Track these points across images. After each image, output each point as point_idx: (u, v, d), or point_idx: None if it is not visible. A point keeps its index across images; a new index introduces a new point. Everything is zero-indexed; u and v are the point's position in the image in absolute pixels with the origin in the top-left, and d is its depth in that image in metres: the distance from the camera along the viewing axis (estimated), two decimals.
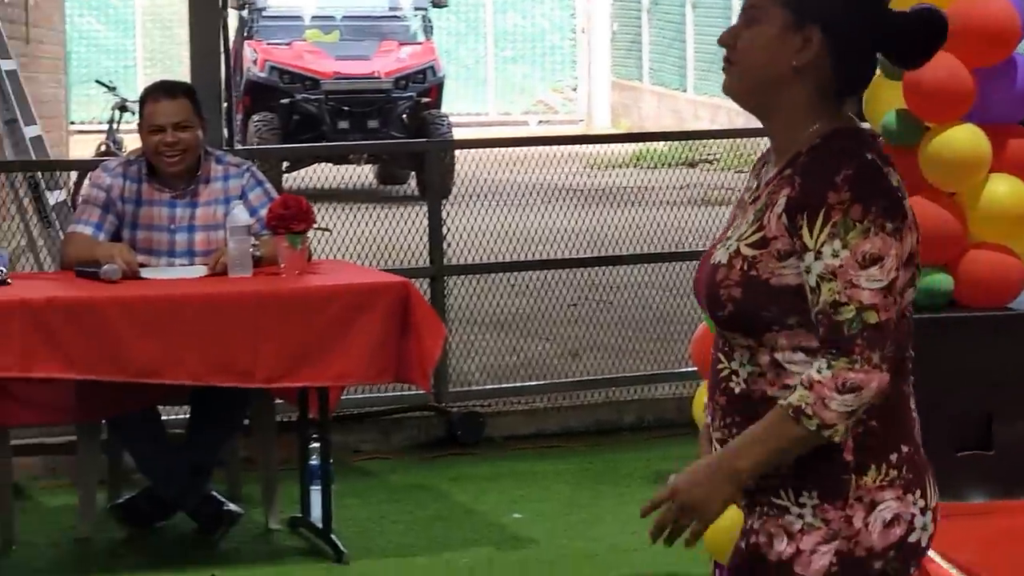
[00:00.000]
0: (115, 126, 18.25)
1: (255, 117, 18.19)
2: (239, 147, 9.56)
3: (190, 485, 6.67)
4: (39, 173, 10.43)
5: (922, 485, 3.13)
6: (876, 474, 3.08)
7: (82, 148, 18.40)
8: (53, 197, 10.57)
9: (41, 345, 5.99)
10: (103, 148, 17.52)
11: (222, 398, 6.52)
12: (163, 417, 6.89)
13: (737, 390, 3.13)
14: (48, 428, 7.31)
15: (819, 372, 2.99)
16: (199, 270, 6.60)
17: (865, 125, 3.19)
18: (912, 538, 3.12)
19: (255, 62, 18.66)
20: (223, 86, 8.35)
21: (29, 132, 11.23)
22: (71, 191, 12.42)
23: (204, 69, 8.11)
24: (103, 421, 6.82)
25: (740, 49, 3.12)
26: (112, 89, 19.19)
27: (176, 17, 27.86)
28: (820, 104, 3.11)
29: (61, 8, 17.10)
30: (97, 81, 20.24)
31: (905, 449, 3.12)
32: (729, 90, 3.17)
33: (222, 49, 8.37)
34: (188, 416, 6.89)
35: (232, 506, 6.80)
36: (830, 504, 3.07)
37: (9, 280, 6.37)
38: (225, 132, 8.42)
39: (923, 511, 3.12)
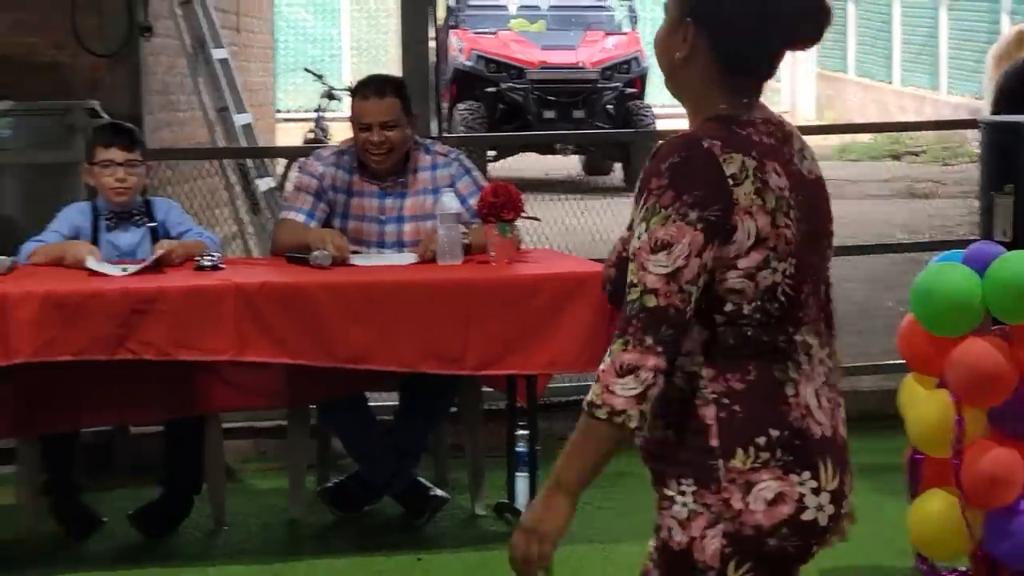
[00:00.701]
0: (322, 114, 18.51)
1: (461, 106, 18.31)
2: (447, 136, 9.62)
3: (398, 470, 6.77)
4: (248, 161, 10.64)
5: (811, 466, 3.19)
6: (745, 457, 3.15)
7: (288, 136, 18.68)
8: (262, 184, 10.78)
9: (254, 330, 6.10)
10: (311, 136, 17.79)
11: (430, 385, 6.60)
12: (371, 403, 6.99)
13: None
14: (258, 412, 7.46)
15: (604, 361, 3.12)
16: (409, 257, 6.68)
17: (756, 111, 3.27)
18: (806, 516, 3.18)
19: (461, 51, 18.80)
20: (432, 76, 8.41)
21: (239, 120, 11.45)
22: (280, 179, 12.64)
23: (414, 59, 8.20)
24: (312, 406, 6.96)
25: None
26: (320, 77, 19.45)
27: (382, 6, 28.16)
28: (712, 89, 3.28)
29: None
30: (306, 69, 20.56)
31: (776, 433, 3.17)
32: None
33: (431, 39, 8.44)
34: (397, 402, 6.99)
35: (438, 491, 6.89)
36: (705, 489, 3.16)
37: (222, 265, 6.51)
38: (434, 122, 8.49)
39: (815, 491, 3.18)
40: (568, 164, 18.43)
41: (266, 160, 11.51)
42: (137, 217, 6.80)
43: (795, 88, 29.27)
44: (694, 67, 3.28)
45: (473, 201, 6.69)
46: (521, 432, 6.76)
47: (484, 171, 7.69)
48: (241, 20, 14.63)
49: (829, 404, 3.31)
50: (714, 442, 3.16)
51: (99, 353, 6.09)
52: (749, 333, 3.19)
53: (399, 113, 6.83)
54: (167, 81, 11.85)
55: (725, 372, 3.18)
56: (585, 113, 18.57)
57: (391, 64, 20.20)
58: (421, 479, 6.89)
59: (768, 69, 3.33)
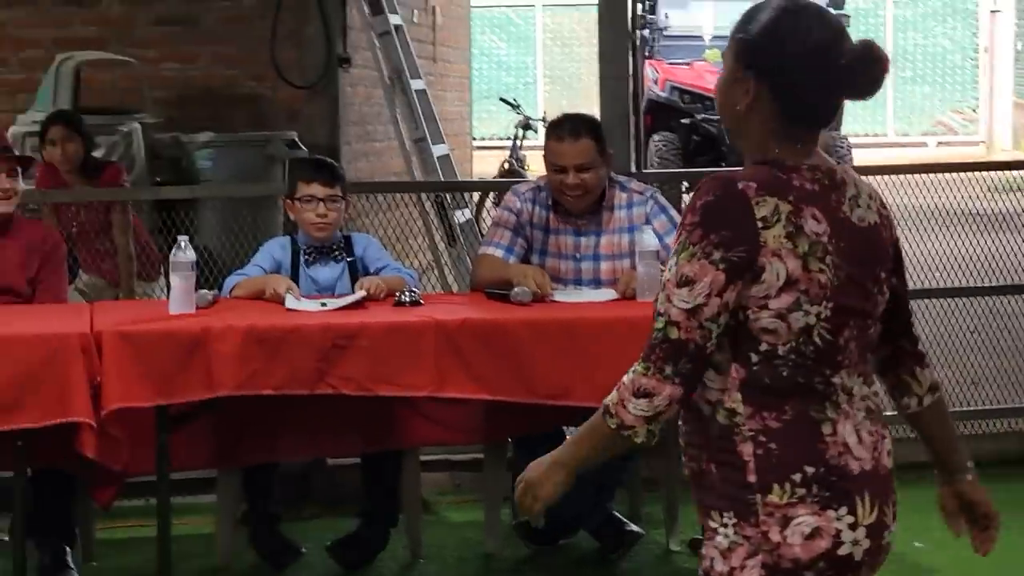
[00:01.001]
0: (518, 143, 18.56)
1: (655, 137, 18.32)
2: (643, 170, 9.61)
3: (593, 505, 6.78)
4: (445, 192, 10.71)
5: (848, 502, 3.32)
6: (782, 492, 3.28)
7: (484, 164, 18.77)
8: (459, 216, 10.84)
9: (453, 366, 6.11)
10: (506, 166, 17.85)
11: None
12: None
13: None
14: (454, 446, 7.51)
15: (628, 375, 3.32)
16: (609, 293, 6.68)
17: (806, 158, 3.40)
18: (842, 551, 3.31)
19: (656, 81, 18.81)
20: (631, 110, 8.42)
21: (437, 151, 11.53)
22: (475, 209, 12.70)
23: (611, 95, 8.21)
24: (509, 440, 7.00)
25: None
26: (516, 107, 19.48)
27: (576, 35, 28.22)
28: (770, 138, 3.39)
29: (467, 27, 17.47)
30: (502, 99, 20.62)
31: (812, 470, 3.29)
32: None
33: (630, 72, 8.44)
34: None
35: (633, 527, 6.89)
36: (744, 522, 3.30)
37: (422, 301, 6.55)
38: (633, 156, 8.49)
39: (852, 527, 3.32)
40: None
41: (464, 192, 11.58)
42: (336, 252, 6.87)
43: (993, 118, 28.84)
44: (756, 117, 3.41)
45: (669, 239, 6.65)
46: None
47: (679, 203, 7.65)
48: (438, 50, 14.77)
49: (872, 438, 3.42)
50: (752, 478, 3.29)
51: (299, 388, 6.15)
52: (785, 373, 3.31)
53: (594, 155, 6.77)
54: (364, 112, 12.00)
55: (762, 410, 3.30)
56: None
57: (585, 92, 20.26)
58: (616, 514, 6.90)
59: (827, 119, 3.46)
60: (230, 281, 6.78)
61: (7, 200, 6.73)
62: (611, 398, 3.34)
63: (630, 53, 8.44)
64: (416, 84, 11.68)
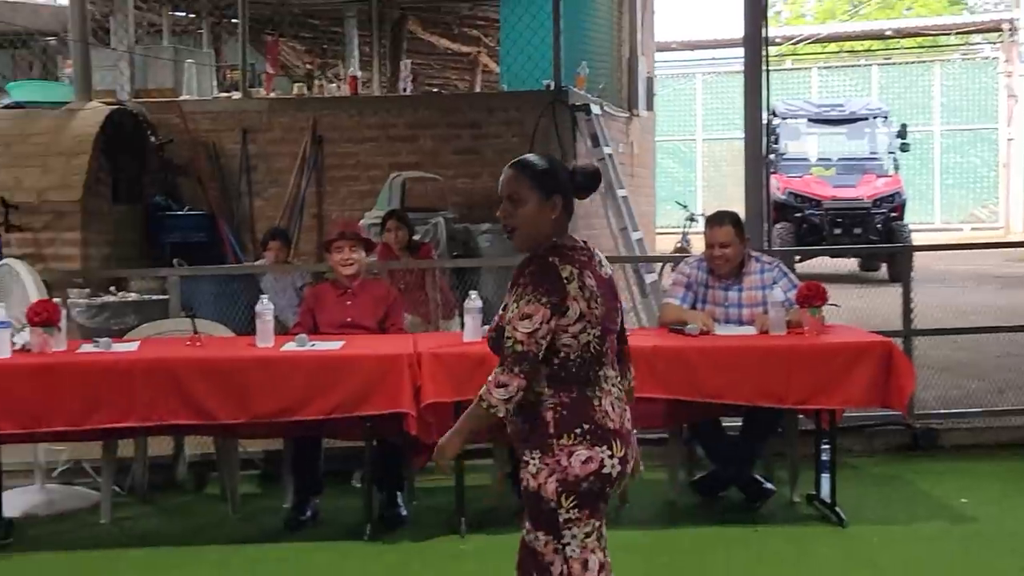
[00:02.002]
0: (686, 231, 18.66)
1: (777, 226, 18.10)
2: (771, 248, 9.57)
3: (742, 469, 6.72)
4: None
5: (607, 443, 3.67)
6: (569, 437, 3.66)
7: (664, 244, 18.75)
8: (648, 278, 10.84)
9: (648, 375, 6.07)
10: (678, 245, 17.85)
11: (765, 413, 6.52)
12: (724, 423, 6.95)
13: None
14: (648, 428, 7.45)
15: (491, 375, 3.64)
16: (751, 329, 6.62)
17: (573, 240, 3.76)
18: (604, 470, 3.67)
19: (778, 188, 18.53)
20: (764, 207, 8.38)
21: (634, 236, 11.57)
22: (658, 274, 12.65)
23: (752, 196, 8.18)
24: (684, 426, 6.96)
25: (519, 221, 3.73)
26: (684, 207, 19.75)
27: (724, 158, 28.13)
28: (558, 230, 3.74)
29: (652, 154, 17.49)
30: (676, 202, 20.77)
31: (587, 426, 3.67)
32: (519, 248, 3.80)
33: (763, 182, 8.39)
34: (740, 424, 6.91)
35: (768, 484, 6.80)
36: (546, 456, 3.66)
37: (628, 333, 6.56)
38: (764, 239, 8.44)
39: (610, 457, 3.67)
40: (850, 264, 18.10)
41: (650, 264, 11.57)
42: None
43: (1009, 209, 28.01)
44: (556, 221, 3.73)
45: (791, 294, 6.62)
46: (824, 446, 6.65)
47: (793, 270, 7.54)
48: (634, 169, 14.78)
49: (619, 407, 3.76)
50: (552, 430, 3.67)
51: None
52: (574, 369, 3.69)
53: (733, 236, 6.77)
54: (588, 210, 12.03)
55: (559, 391, 3.68)
56: (862, 231, 18.27)
57: (730, 196, 20.11)
58: (756, 476, 6.81)
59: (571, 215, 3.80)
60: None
61: (351, 266, 6.87)
62: (483, 390, 3.65)
63: (763, 170, 8.38)
64: (621, 192, 11.73)
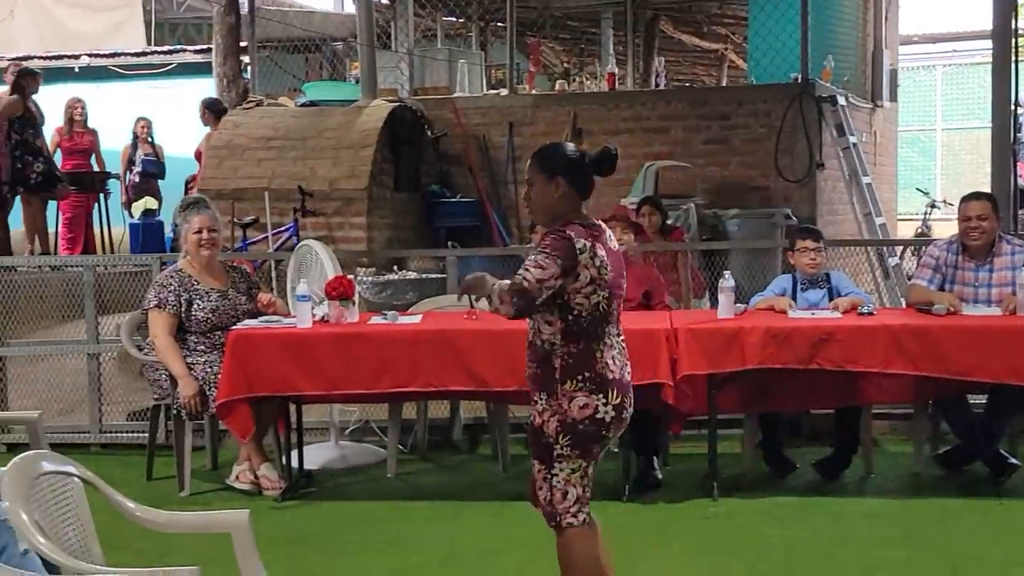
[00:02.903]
0: (927, 217, 17.97)
1: (1021, 212, 17.28)
2: (1019, 231, 9.15)
3: (988, 445, 6.48)
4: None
5: (603, 392, 3.99)
6: (572, 384, 3.98)
7: (905, 230, 18.15)
8: (891, 261, 10.54)
9: (895, 352, 6.01)
10: (919, 231, 17.23)
11: (1011, 391, 6.24)
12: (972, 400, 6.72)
13: (531, 338, 4.09)
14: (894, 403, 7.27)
15: (504, 302, 3.91)
16: (996, 310, 6.38)
17: (587, 218, 4.07)
18: (599, 415, 3.99)
19: (1022, 176, 17.74)
20: (1011, 192, 8.06)
21: (878, 221, 11.26)
22: (900, 257, 12.27)
23: (999, 181, 7.91)
24: (930, 401, 6.76)
25: (531, 200, 4.11)
26: (926, 194, 19.02)
27: (964, 147, 26.99)
28: (569, 208, 4.04)
29: (894, 143, 16.94)
30: (917, 188, 20.03)
31: (588, 374, 3.97)
32: (537, 222, 4.33)
33: (1011, 169, 8.08)
34: (986, 400, 6.66)
35: (1012, 459, 6.54)
36: (552, 398, 4.00)
37: (875, 312, 6.40)
38: (1012, 222, 8.12)
39: (604, 404, 3.99)
40: None
41: (893, 248, 11.25)
42: (820, 282, 6.79)
43: None
44: (563, 199, 4.03)
45: None
46: None
47: None
48: (877, 158, 14.36)
49: (620, 360, 4.08)
50: (558, 375, 3.99)
51: (798, 364, 6.12)
52: (584, 325, 3.99)
53: (990, 211, 6.56)
54: (832, 197, 11.81)
55: (568, 343, 3.99)
56: None
57: (968, 183, 19.27)
58: (1001, 451, 6.56)
59: (590, 194, 4.08)
60: (755, 299, 6.78)
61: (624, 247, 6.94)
62: (496, 299, 3.93)
63: (1011, 157, 8.07)
64: (865, 179, 11.44)
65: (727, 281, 6.39)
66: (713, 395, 6.24)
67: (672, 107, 11.93)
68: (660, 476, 6.57)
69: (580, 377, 3.96)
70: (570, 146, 4.19)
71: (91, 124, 12.79)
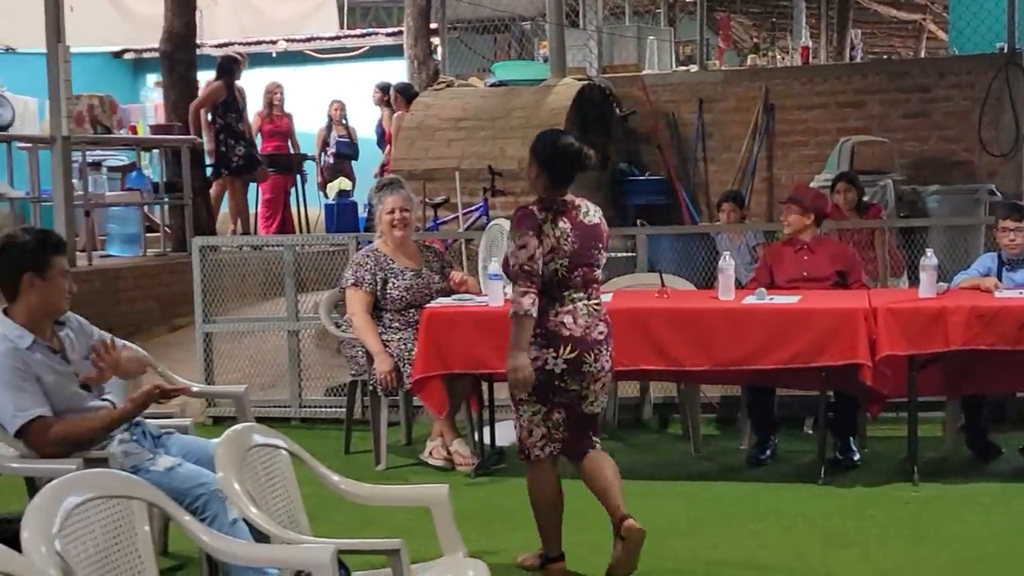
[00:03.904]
0: None
1: None
2: None
3: None
4: None
5: (555, 346, 4.59)
6: (536, 340, 4.57)
7: None
8: None
9: None
10: None
11: None
12: None
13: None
14: None
15: (512, 294, 4.60)
16: None
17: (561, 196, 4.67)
18: (548, 367, 4.60)
19: None
20: None
21: None
22: None
23: None
24: None
25: (528, 175, 4.78)
26: None
27: None
28: (541, 189, 4.67)
29: None
30: None
31: (539, 330, 4.57)
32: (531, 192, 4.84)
33: None
34: None
35: None
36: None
37: None
38: None
39: (555, 357, 4.60)
40: None
41: None
42: None
43: None
44: (539, 181, 4.66)
45: None
46: None
47: None
48: None
49: (583, 321, 4.62)
50: None
51: (1004, 345, 5.91)
52: (542, 288, 4.54)
53: None
54: None
55: None
56: None
57: None
58: None
59: (567, 184, 4.67)
60: (957, 278, 6.57)
61: (787, 227, 6.80)
62: (513, 306, 4.53)
63: None
64: None
65: (929, 259, 6.20)
66: (914, 377, 6.06)
67: (868, 80, 11.63)
68: (857, 458, 6.43)
69: (533, 333, 4.57)
70: (562, 140, 4.71)
71: (288, 107, 13.19)
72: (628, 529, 4.63)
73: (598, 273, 4.71)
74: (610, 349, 4.72)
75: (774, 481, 6.24)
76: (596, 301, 4.68)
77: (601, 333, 4.66)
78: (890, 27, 21.24)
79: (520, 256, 4.49)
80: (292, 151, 13.07)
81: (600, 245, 4.68)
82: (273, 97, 12.97)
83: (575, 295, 4.60)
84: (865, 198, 8.87)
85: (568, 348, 4.54)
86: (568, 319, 4.56)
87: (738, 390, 7.08)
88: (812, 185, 9.81)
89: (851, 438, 6.48)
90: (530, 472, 4.79)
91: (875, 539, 5.30)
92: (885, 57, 20.85)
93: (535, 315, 4.48)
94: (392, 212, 6.82)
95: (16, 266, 4.27)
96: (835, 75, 11.94)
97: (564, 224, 4.56)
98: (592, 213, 4.69)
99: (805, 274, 6.74)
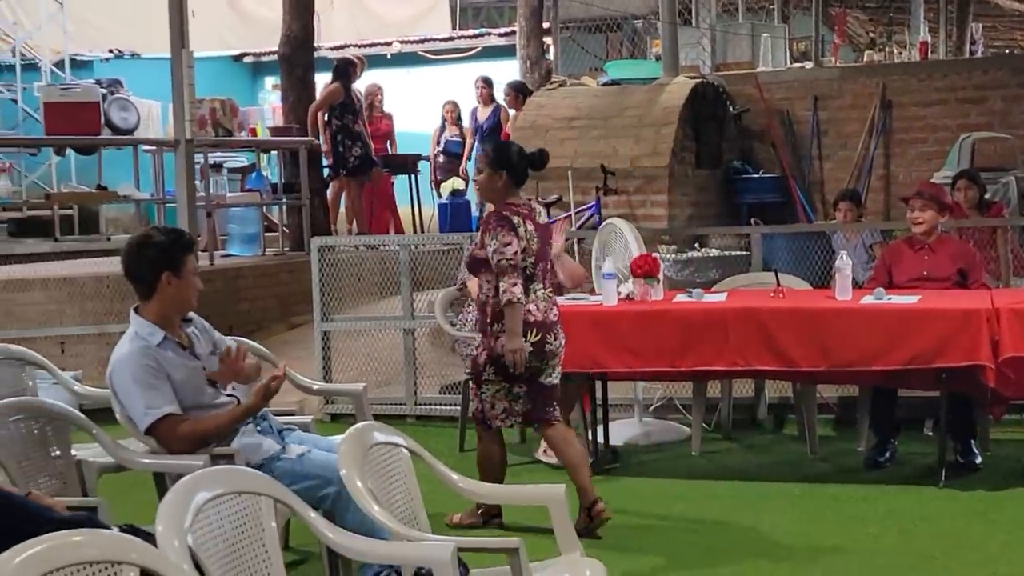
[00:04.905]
0: None
1: None
2: None
3: None
4: None
5: (524, 332, 5.25)
6: (498, 326, 5.30)
7: None
8: None
9: None
10: None
11: None
12: None
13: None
14: None
15: (502, 286, 5.22)
16: None
17: (519, 199, 5.43)
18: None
19: None
20: None
21: None
22: None
23: None
24: None
25: (482, 184, 5.49)
26: None
27: None
28: (508, 194, 5.38)
29: None
30: None
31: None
32: (484, 200, 6.12)
33: None
34: None
35: None
36: (485, 337, 5.39)
37: None
38: None
39: (524, 341, 5.26)
40: None
41: None
42: None
43: None
44: (502, 186, 5.37)
45: None
46: None
47: None
48: None
49: (543, 306, 5.36)
50: (490, 320, 5.36)
51: None
52: None
53: None
54: None
55: (498, 295, 5.26)
56: None
57: None
58: None
59: (523, 185, 5.43)
60: None
61: (919, 225, 6.66)
62: (505, 295, 5.19)
63: None
64: None
65: None
66: None
67: (990, 76, 11.34)
68: (979, 461, 6.29)
69: (503, 321, 5.26)
70: (515, 146, 5.51)
71: (402, 108, 13.32)
72: (598, 513, 5.32)
73: (549, 265, 5.50)
74: (561, 327, 5.46)
75: (894, 483, 6.14)
76: (550, 289, 5.46)
77: (556, 315, 5.42)
78: (1012, 20, 20.71)
79: (507, 252, 5.19)
80: (390, 152, 13.19)
81: (549, 241, 5.51)
82: (374, 99, 13.10)
83: (536, 286, 5.35)
84: (987, 196, 8.66)
85: (534, 332, 5.27)
86: (532, 307, 5.30)
87: (856, 390, 6.97)
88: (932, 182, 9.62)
89: (972, 440, 6.34)
90: (484, 438, 5.48)
91: (999, 544, 5.18)
92: (1007, 51, 20.30)
93: (524, 301, 5.22)
94: None
95: (154, 265, 4.40)
96: (955, 70, 11.68)
97: (530, 226, 5.31)
98: (541, 213, 5.51)
99: (925, 273, 6.61)
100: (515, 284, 5.18)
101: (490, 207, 5.56)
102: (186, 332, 4.52)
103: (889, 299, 6.16)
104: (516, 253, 5.19)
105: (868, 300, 6.19)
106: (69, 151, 13.95)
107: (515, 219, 5.25)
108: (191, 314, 4.58)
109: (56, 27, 16.46)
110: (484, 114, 13.21)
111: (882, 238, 8.53)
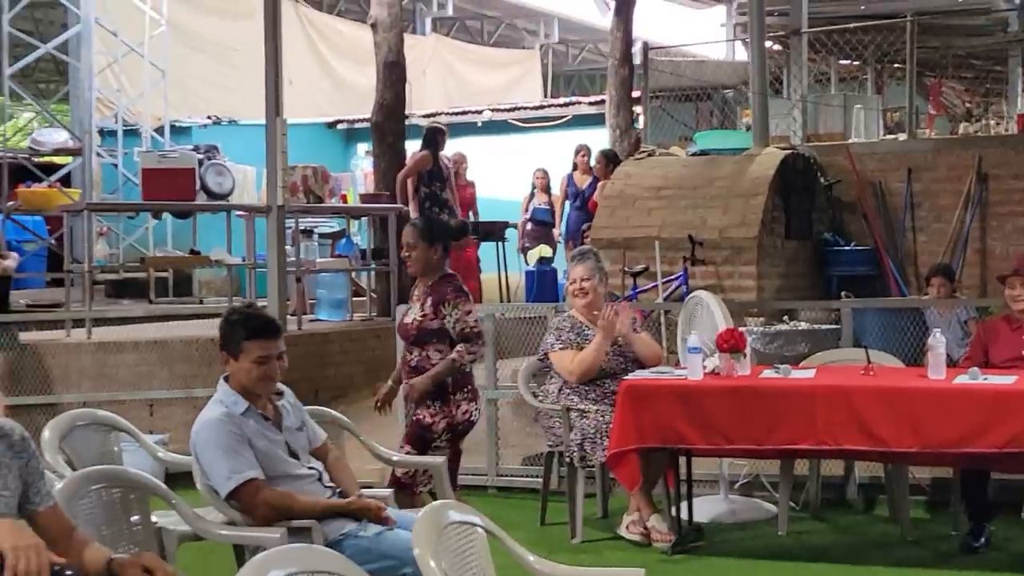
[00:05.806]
0: None
1: None
2: None
3: None
4: None
5: (476, 399, 5.96)
6: (460, 395, 5.86)
7: None
8: None
9: None
10: None
11: None
12: None
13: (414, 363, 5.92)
14: None
15: (464, 348, 5.76)
16: None
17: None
18: (472, 418, 5.93)
19: None
20: None
21: None
22: None
23: None
24: None
25: (415, 259, 5.88)
26: None
27: None
28: (443, 265, 5.92)
29: None
30: None
31: (468, 387, 5.92)
32: (416, 274, 6.02)
33: None
34: None
35: None
36: (444, 406, 5.83)
37: None
38: None
39: (476, 410, 5.99)
40: None
41: None
42: None
43: None
44: (438, 259, 5.90)
45: None
46: None
47: None
48: None
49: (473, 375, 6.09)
50: (451, 389, 5.85)
51: None
52: None
53: None
54: None
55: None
56: None
57: None
58: None
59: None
60: None
61: (1018, 303, 6.44)
62: (458, 356, 5.72)
63: None
64: None
65: None
66: None
67: None
68: None
69: (464, 389, 5.87)
70: (442, 220, 6.17)
71: (491, 175, 13.38)
72: None
73: None
74: None
75: (989, 570, 5.91)
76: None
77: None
78: None
79: (469, 320, 5.74)
80: (472, 219, 13.23)
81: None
82: (459, 167, 13.17)
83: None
84: None
85: (480, 400, 6.07)
86: (473, 375, 6.03)
87: (950, 471, 6.75)
88: None
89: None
90: (405, 504, 5.49)
91: None
92: None
93: (468, 369, 5.83)
94: (574, 282, 6.88)
95: (239, 338, 4.42)
96: None
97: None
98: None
99: (1023, 354, 6.40)
100: (474, 352, 5.83)
101: (428, 279, 5.95)
102: (276, 404, 4.52)
103: (985, 379, 5.97)
104: (478, 320, 5.78)
105: (962, 380, 6.00)
106: (166, 215, 14.21)
107: (461, 283, 5.93)
108: (282, 387, 4.58)
109: (158, 94, 16.87)
110: (583, 181, 13.23)
111: (977, 314, 8.31)
